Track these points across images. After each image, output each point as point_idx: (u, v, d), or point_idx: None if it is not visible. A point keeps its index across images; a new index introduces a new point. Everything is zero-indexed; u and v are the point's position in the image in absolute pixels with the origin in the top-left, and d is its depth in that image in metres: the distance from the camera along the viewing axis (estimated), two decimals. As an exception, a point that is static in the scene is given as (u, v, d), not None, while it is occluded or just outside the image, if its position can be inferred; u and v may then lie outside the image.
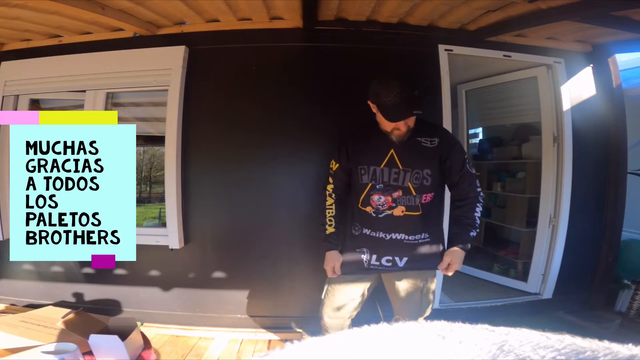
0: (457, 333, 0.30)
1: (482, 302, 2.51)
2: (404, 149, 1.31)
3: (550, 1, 1.79)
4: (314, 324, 2.26)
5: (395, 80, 1.20)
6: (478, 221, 1.32)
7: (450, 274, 1.34)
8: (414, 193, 1.31)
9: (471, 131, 3.40)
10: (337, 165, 1.44)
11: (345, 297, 1.45)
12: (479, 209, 1.33)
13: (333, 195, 1.46)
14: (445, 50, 2.26)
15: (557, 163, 2.47)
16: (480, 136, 3.95)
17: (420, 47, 2.25)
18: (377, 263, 1.37)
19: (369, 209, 1.35)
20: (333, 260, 1.40)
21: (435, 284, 1.48)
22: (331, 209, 1.44)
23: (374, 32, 2.20)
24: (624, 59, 3.52)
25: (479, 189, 1.35)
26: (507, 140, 3.41)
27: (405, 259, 1.35)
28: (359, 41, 2.19)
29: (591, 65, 2.48)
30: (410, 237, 1.34)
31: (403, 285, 1.42)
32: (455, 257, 1.31)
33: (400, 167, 1.30)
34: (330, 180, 1.48)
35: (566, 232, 2.44)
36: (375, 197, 1.33)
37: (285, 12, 2.08)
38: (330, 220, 1.43)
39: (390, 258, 1.35)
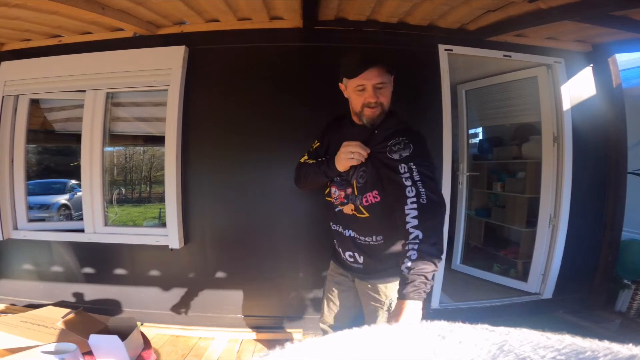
0: (457, 333, 0.30)
1: (482, 302, 2.51)
2: (365, 143, 1.17)
3: (550, 1, 1.79)
4: (312, 324, 2.26)
5: (361, 48, 1.21)
6: (430, 245, 0.91)
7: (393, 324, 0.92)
8: (356, 193, 1.19)
9: (471, 131, 3.40)
10: (318, 144, 1.36)
11: (346, 300, 1.38)
12: (410, 247, 0.92)
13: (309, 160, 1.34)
14: (445, 50, 2.26)
15: (557, 163, 2.47)
16: (480, 136, 3.95)
17: (420, 47, 2.25)
18: (344, 257, 1.30)
19: (331, 199, 1.30)
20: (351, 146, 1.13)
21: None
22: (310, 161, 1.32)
23: (374, 32, 2.20)
24: (624, 59, 3.52)
25: (422, 191, 0.98)
26: (507, 140, 3.41)
27: (362, 257, 1.24)
28: (359, 41, 2.19)
29: (591, 65, 2.49)
30: (362, 238, 1.22)
31: (368, 296, 1.27)
32: (399, 310, 0.89)
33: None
34: (306, 155, 1.38)
35: (566, 232, 2.45)
36: (333, 190, 1.27)
37: (285, 12, 2.08)
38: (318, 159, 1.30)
39: (351, 253, 1.27)
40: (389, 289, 1.22)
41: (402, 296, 0.90)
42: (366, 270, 1.26)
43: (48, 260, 2.42)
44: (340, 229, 1.28)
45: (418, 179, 1.01)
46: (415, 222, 0.94)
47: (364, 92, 1.12)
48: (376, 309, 1.25)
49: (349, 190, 1.22)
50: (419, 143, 1.12)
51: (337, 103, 1.33)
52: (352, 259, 1.28)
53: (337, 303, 1.40)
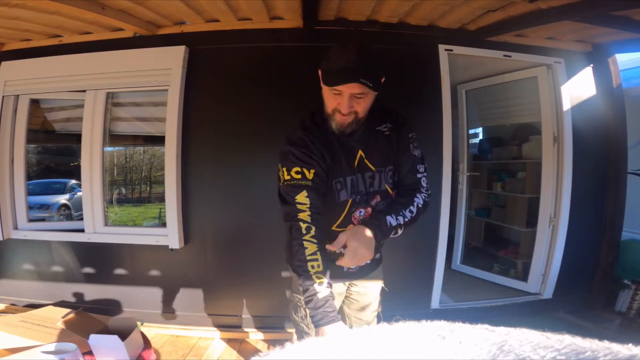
0: (457, 333, 0.30)
1: (482, 302, 2.51)
2: (370, 145, 1.06)
3: (550, 1, 1.79)
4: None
5: (357, 45, 0.96)
6: (408, 216, 1.02)
7: (343, 263, 0.93)
8: (391, 193, 1.09)
9: (471, 131, 3.40)
10: (313, 171, 0.98)
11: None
12: (417, 201, 1.05)
13: (312, 231, 0.93)
14: (445, 50, 2.26)
15: (557, 163, 2.47)
16: (480, 136, 3.95)
17: (420, 47, 2.25)
18: (355, 268, 1.17)
19: (350, 227, 1.05)
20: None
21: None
22: (316, 258, 0.91)
23: (374, 32, 2.20)
24: (624, 59, 3.52)
25: (419, 175, 1.08)
26: (507, 140, 3.41)
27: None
28: (359, 41, 2.19)
29: (591, 65, 2.49)
30: None
31: (370, 287, 1.26)
32: (355, 235, 0.92)
33: (373, 168, 1.06)
34: (304, 199, 0.95)
35: (566, 232, 2.45)
36: (357, 213, 1.07)
37: (285, 12, 2.08)
38: (319, 277, 0.90)
39: (368, 261, 1.11)
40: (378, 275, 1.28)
41: (367, 223, 0.98)
42: (371, 264, 1.21)
43: (48, 260, 2.41)
44: None
45: (426, 182, 1.10)
46: (415, 210, 1.05)
47: (338, 97, 0.96)
48: (377, 294, 1.29)
49: (376, 200, 1.09)
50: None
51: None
52: (356, 267, 1.18)
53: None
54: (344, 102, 0.95)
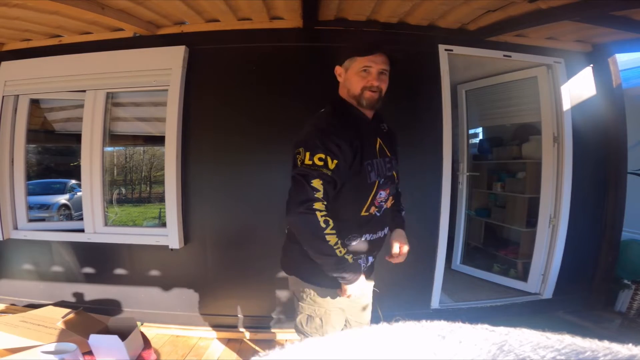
0: (457, 333, 0.30)
1: (482, 302, 2.51)
2: (382, 135, 1.19)
3: (550, 1, 1.79)
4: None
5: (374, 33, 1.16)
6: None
7: (398, 261, 1.22)
8: (397, 180, 1.23)
9: (471, 131, 3.40)
10: (336, 162, 0.99)
11: (342, 316, 1.23)
12: (400, 192, 1.34)
13: (331, 223, 0.99)
14: (445, 50, 2.26)
15: (557, 163, 2.47)
16: (480, 136, 3.95)
17: (420, 47, 2.25)
18: (366, 263, 1.19)
19: (372, 209, 1.13)
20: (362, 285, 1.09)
21: None
22: (332, 235, 0.99)
23: (374, 32, 2.20)
24: (624, 59, 3.51)
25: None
26: (507, 140, 3.41)
27: (375, 250, 1.23)
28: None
29: (591, 65, 2.49)
30: (387, 230, 1.24)
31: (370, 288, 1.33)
32: (404, 238, 1.24)
33: (389, 154, 1.18)
34: (319, 185, 0.97)
35: (566, 232, 2.45)
36: (379, 194, 1.13)
37: (285, 12, 2.08)
38: (337, 246, 1.01)
39: (376, 252, 1.22)
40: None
41: (401, 227, 1.29)
42: (372, 266, 1.26)
43: (48, 260, 2.41)
44: (380, 233, 1.18)
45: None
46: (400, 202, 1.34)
47: (367, 75, 1.09)
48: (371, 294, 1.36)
49: (390, 184, 1.18)
50: None
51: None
52: (366, 262, 1.19)
53: (341, 324, 1.25)
54: (373, 76, 1.08)
